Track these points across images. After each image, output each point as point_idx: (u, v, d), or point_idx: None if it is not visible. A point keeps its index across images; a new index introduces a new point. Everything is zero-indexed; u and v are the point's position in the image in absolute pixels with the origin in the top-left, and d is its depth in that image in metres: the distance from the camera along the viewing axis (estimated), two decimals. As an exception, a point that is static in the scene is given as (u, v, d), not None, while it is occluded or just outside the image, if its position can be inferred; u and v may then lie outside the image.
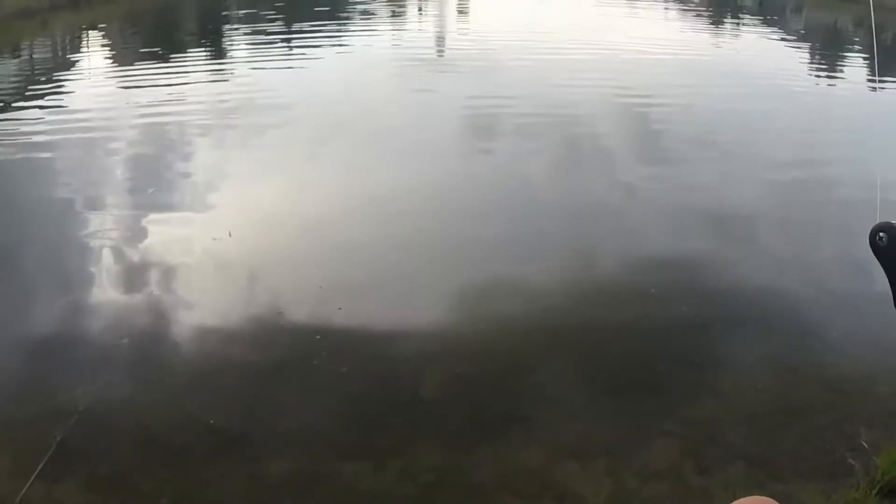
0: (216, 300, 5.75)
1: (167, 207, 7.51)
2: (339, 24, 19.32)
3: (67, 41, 18.23)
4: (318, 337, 5.14)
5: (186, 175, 8.42)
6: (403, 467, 3.94)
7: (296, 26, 19.03)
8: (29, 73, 14.68)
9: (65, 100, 11.95)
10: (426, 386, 4.67)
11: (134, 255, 6.46)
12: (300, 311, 5.52)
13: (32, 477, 3.85)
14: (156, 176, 8.29)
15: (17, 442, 4.16)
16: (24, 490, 3.77)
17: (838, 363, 5.00)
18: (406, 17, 23.03)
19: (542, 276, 6.11)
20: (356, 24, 20.28)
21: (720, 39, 20.86)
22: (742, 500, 0.35)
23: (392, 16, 22.46)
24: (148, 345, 5.15)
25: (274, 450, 4.06)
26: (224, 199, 7.65)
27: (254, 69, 14.01)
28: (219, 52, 16.45)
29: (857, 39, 20.49)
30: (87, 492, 3.85)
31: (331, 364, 4.83)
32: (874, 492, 3.63)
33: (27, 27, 18.88)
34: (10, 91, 12.79)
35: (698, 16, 24.99)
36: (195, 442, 4.17)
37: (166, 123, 10.27)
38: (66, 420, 4.22)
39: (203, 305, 5.70)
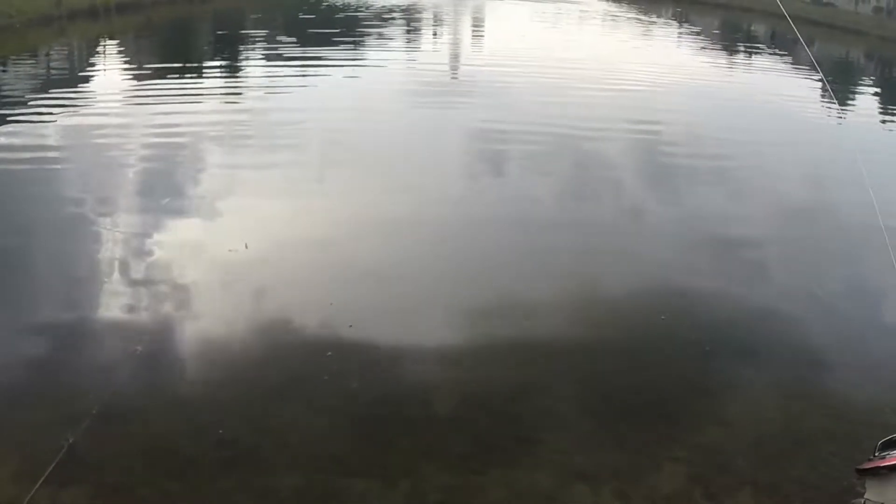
0: (230, 312, 5.76)
1: (183, 218, 7.56)
2: (354, 47, 19.33)
3: (84, 49, 18.37)
4: (329, 353, 5.15)
5: (203, 187, 8.45)
6: (413, 486, 3.93)
7: (310, 43, 19.15)
8: (45, 78, 14.78)
9: (79, 106, 12.02)
10: (435, 406, 4.68)
11: (148, 266, 6.48)
12: (311, 327, 5.54)
13: (40, 481, 3.85)
14: (170, 187, 8.33)
15: (27, 444, 4.17)
16: (31, 494, 3.77)
17: (845, 392, 5.02)
18: (420, 40, 23.04)
19: (553, 300, 6.12)
20: (370, 48, 20.30)
21: (735, 71, 20.88)
22: None
23: (407, 41, 22.46)
24: (160, 354, 5.16)
25: (283, 465, 4.07)
26: (241, 212, 7.69)
27: (267, 85, 14.07)
28: (233, 66, 16.53)
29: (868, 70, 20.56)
30: (93, 499, 3.85)
31: (341, 381, 4.84)
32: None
33: (45, 34, 19.05)
34: (25, 96, 12.82)
35: (712, 46, 25.02)
36: (204, 454, 4.18)
37: (179, 134, 10.31)
38: (78, 424, 4.24)
39: (216, 317, 5.71)
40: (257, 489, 3.91)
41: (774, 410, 4.82)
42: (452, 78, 16.48)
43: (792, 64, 21.68)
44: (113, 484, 3.96)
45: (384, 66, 16.84)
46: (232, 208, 7.76)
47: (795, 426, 4.65)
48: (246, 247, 6.67)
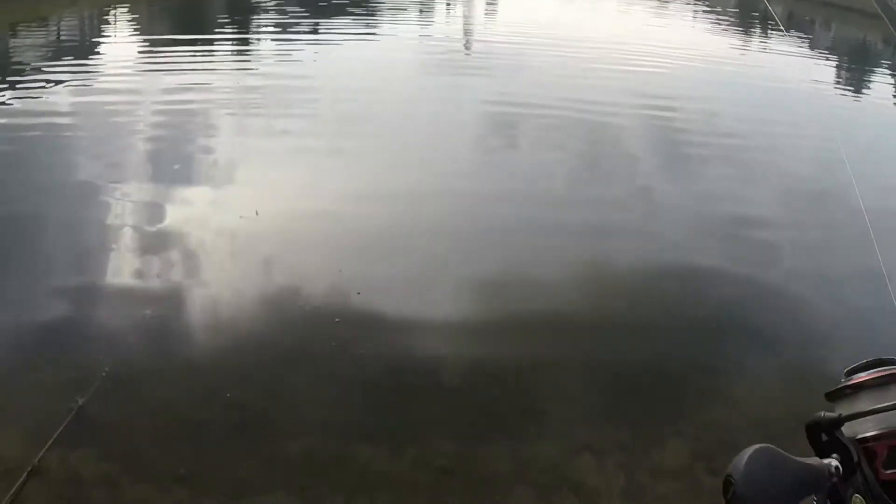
0: (240, 278, 5.78)
1: (193, 184, 7.58)
2: (367, 19, 19.26)
3: (95, 18, 18.30)
4: (337, 320, 5.17)
5: (213, 154, 8.48)
6: (418, 453, 3.97)
7: (323, 14, 19.07)
8: (56, 48, 14.76)
9: (90, 77, 12.01)
10: (442, 375, 4.70)
11: (157, 232, 6.51)
12: (319, 294, 5.55)
13: (49, 443, 3.89)
14: (180, 153, 8.36)
15: (36, 407, 4.21)
16: (40, 455, 3.81)
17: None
18: (434, 14, 22.93)
19: (562, 276, 6.11)
20: (383, 20, 20.25)
21: (750, 53, 20.71)
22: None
23: (420, 13, 22.34)
24: (169, 319, 5.19)
25: (291, 430, 4.11)
26: (252, 179, 7.71)
27: (280, 56, 14.03)
28: (246, 36, 16.48)
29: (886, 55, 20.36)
30: (103, 460, 3.89)
31: (349, 347, 4.87)
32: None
33: (56, 3, 18.99)
34: (35, 64, 12.83)
35: (728, 26, 24.80)
36: (213, 418, 4.22)
37: (191, 104, 10.32)
38: (88, 386, 4.27)
39: (225, 283, 5.73)
40: (265, 453, 3.96)
41: (780, 390, 4.82)
42: (466, 52, 16.40)
43: (809, 46, 21.50)
44: (122, 446, 4.00)
45: (396, 37, 16.79)
46: (243, 175, 7.78)
47: (801, 405, 4.63)
48: (257, 213, 6.69)
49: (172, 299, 5.41)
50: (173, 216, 6.78)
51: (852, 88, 16.16)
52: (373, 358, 4.79)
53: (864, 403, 0.51)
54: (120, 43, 15.48)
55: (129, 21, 18.17)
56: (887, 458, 0.66)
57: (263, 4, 20.83)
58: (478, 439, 4.11)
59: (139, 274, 5.80)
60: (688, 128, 10.56)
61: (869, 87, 16.35)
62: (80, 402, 4.19)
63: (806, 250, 6.97)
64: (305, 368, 4.66)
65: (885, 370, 0.48)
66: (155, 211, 6.87)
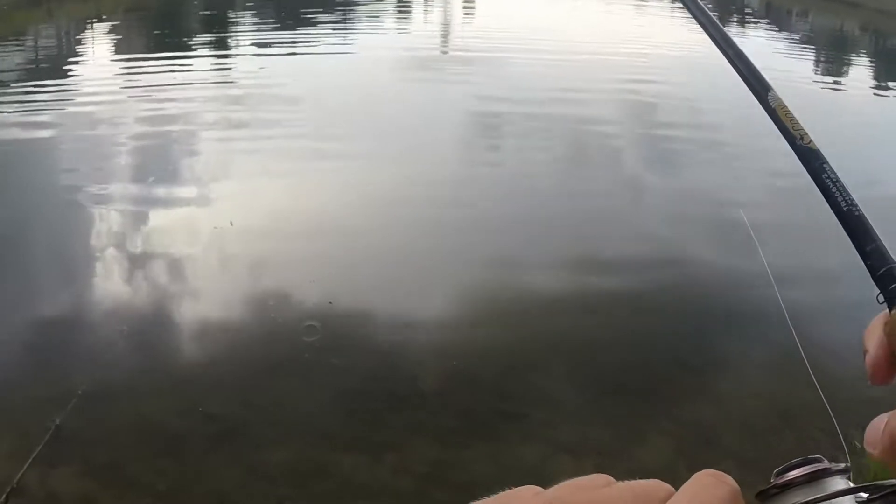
0: (213, 290, 5.79)
1: (169, 196, 7.55)
2: (345, 22, 19.26)
3: (73, 30, 18.21)
4: (308, 323, 5.17)
5: (189, 164, 8.45)
6: (399, 460, 3.96)
7: (301, 20, 19.05)
8: (33, 60, 14.69)
9: (68, 88, 11.95)
10: (422, 380, 4.69)
11: (134, 243, 6.50)
12: (293, 304, 5.53)
13: (28, 463, 3.86)
14: (157, 164, 8.31)
15: (13, 427, 4.18)
16: (19, 475, 3.78)
17: (833, 368, 5.00)
18: (411, 17, 22.91)
19: (540, 274, 6.12)
20: (362, 23, 20.24)
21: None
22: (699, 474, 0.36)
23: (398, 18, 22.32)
24: (145, 332, 5.17)
25: (271, 440, 4.09)
26: (227, 189, 7.69)
27: (259, 62, 14.02)
28: (224, 44, 16.45)
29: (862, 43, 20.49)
30: (83, 478, 3.87)
31: (325, 357, 4.85)
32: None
33: (33, 16, 18.88)
34: (15, 78, 12.76)
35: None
36: (193, 430, 4.20)
37: (169, 113, 10.27)
38: (64, 404, 4.25)
39: (200, 295, 5.73)
40: (246, 464, 3.94)
41: (763, 386, 4.83)
42: (443, 52, 16.47)
43: (786, 36, 21.61)
44: (102, 462, 3.98)
45: (376, 41, 16.84)
46: (220, 184, 7.77)
47: (784, 402, 4.66)
48: (231, 224, 6.67)
49: (147, 313, 5.38)
50: (145, 229, 6.78)
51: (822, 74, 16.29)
52: (350, 367, 4.77)
53: (792, 500, 0.52)
54: (98, 53, 15.41)
55: (107, 32, 18.09)
56: None
57: (243, 13, 20.83)
58: (457, 444, 4.10)
59: (112, 290, 5.76)
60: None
61: (842, 75, 16.49)
62: (58, 421, 4.16)
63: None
64: (283, 379, 4.64)
65: (812, 468, 0.50)
66: (130, 223, 6.86)
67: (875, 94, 14.75)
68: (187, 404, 4.38)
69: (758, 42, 19.60)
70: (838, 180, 0.60)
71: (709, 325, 5.59)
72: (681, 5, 0.84)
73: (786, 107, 0.66)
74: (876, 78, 16.56)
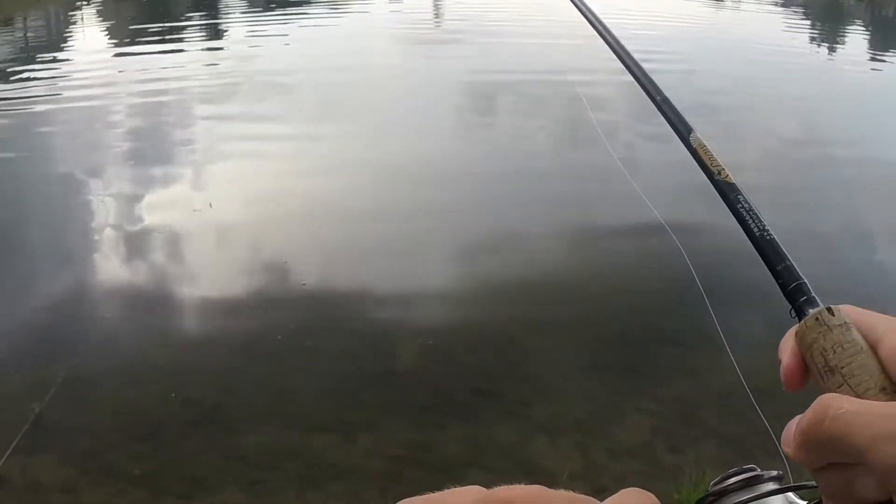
0: (189, 275, 5.79)
1: (152, 179, 7.55)
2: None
3: (61, 15, 18.11)
4: (284, 310, 5.19)
5: (176, 147, 8.43)
6: (372, 442, 3.98)
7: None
8: (23, 46, 14.63)
9: (57, 73, 11.91)
10: (395, 360, 4.70)
11: (113, 228, 6.50)
12: (267, 286, 5.54)
13: (8, 452, 3.89)
14: (144, 147, 8.32)
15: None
16: (0, 464, 3.81)
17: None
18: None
19: (514, 251, 6.11)
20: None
21: (722, 14, 20.65)
22: (624, 490, 0.39)
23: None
24: (124, 319, 5.19)
25: (245, 424, 4.11)
26: (212, 171, 7.70)
27: (248, 39, 13.97)
28: (214, 24, 16.36)
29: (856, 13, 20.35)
30: (62, 464, 3.90)
31: (296, 339, 4.85)
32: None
33: (21, 1, 18.78)
34: (4, 63, 12.71)
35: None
36: (170, 415, 4.22)
37: (157, 96, 10.23)
38: (44, 393, 4.27)
39: (175, 280, 5.73)
40: (221, 448, 3.97)
41: (742, 361, 4.81)
42: (436, 26, 16.41)
43: (781, 5, 21.50)
44: (82, 449, 4.00)
45: (367, 14, 16.79)
46: (203, 167, 7.78)
47: (763, 378, 4.65)
48: (210, 206, 6.66)
49: (125, 300, 5.41)
50: (125, 213, 6.75)
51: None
52: (323, 347, 4.78)
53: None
54: (88, 37, 15.33)
55: (96, 15, 18.00)
56: None
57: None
58: (432, 424, 4.11)
59: (88, 276, 5.77)
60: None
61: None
62: (37, 409, 4.18)
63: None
64: (258, 362, 4.65)
65: (746, 475, 0.56)
66: (109, 208, 6.85)
67: None
68: (164, 390, 4.39)
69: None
70: (752, 208, 0.66)
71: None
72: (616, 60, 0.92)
73: (706, 146, 0.72)
74: None
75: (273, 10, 17.08)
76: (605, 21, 0.99)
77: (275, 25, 15.31)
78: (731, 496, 0.58)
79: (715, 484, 0.58)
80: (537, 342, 4.89)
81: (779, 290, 0.61)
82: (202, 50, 13.21)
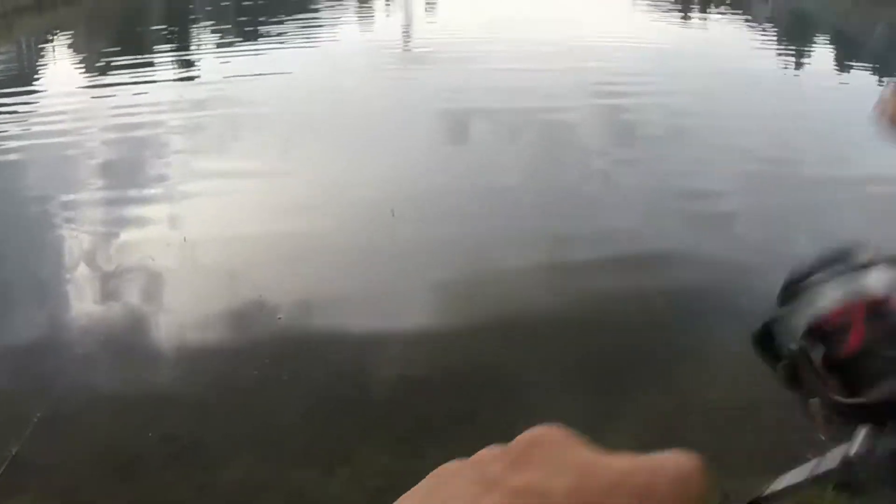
0: (164, 309, 5.76)
1: (125, 211, 7.54)
2: (305, 28, 19.16)
3: (33, 44, 18.07)
4: (260, 343, 5.20)
5: (147, 179, 8.39)
6: (350, 473, 3.98)
7: (262, 22, 19.06)
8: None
9: (30, 104, 11.88)
10: (372, 389, 4.72)
11: (89, 263, 6.47)
12: (243, 320, 5.55)
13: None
14: (117, 178, 8.34)
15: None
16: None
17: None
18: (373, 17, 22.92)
19: (491, 273, 6.17)
20: (323, 22, 20.23)
21: (691, 30, 20.93)
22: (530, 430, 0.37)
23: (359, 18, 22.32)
24: (100, 354, 5.18)
25: (223, 458, 4.11)
26: (184, 205, 7.65)
27: (222, 67, 13.98)
28: (186, 53, 16.35)
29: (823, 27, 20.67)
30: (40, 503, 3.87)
31: (273, 371, 4.86)
32: (831, 487, 3.65)
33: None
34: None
35: (671, 6, 24.95)
36: (148, 450, 4.22)
37: (130, 127, 10.21)
38: (20, 433, 4.24)
39: (150, 315, 5.70)
40: (197, 482, 3.97)
41: (724, 378, 4.85)
42: (406, 51, 16.52)
43: (747, 20, 21.81)
44: (60, 487, 3.99)
45: (338, 42, 16.88)
46: (177, 202, 7.71)
47: (745, 393, 4.69)
48: (185, 240, 6.65)
49: (101, 335, 5.39)
50: (97, 248, 6.74)
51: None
52: (300, 379, 4.80)
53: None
54: (60, 67, 15.30)
55: (67, 45, 17.95)
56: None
57: (204, 19, 20.71)
58: (410, 454, 4.11)
59: (61, 312, 5.76)
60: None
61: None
62: (14, 450, 4.16)
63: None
64: (234, 396, 4.66)
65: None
66: (84, 243, 6.83)
67: None
68: (142, 425, 4.39)
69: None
70: None
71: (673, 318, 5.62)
72: None
73: None
74: None
75: (246, 42, 17.10)
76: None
77: (247, 57, 15.31)
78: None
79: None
80: (514, 367, 4.91)
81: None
82: (174, 81, 13.17)
